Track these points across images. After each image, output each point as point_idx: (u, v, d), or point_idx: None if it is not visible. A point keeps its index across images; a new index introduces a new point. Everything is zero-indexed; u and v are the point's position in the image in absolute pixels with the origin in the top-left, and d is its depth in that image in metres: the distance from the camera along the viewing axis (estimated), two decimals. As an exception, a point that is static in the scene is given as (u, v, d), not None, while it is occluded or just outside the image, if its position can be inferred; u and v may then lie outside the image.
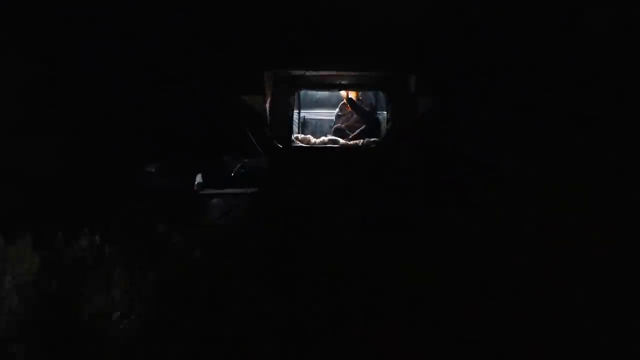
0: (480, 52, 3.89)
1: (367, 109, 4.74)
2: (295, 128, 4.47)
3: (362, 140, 4.44)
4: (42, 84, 3.36)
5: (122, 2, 3.49)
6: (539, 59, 3.82)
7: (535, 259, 2.30)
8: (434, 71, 3.93)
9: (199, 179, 3.69)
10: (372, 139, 4.45)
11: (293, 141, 4.34)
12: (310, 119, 5.63)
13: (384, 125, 4.57)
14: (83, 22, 3.43)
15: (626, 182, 3.14)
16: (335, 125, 4.81)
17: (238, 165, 4.00)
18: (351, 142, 4.43)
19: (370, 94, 4.95)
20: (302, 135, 4.59)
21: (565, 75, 3.76)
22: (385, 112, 4.46)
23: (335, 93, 4.90)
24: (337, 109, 4.96)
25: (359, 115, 4.67)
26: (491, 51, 3.87)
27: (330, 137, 4.58)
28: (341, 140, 4.45)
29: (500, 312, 1.77)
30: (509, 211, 3.11)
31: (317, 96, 5.61)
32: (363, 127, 4.58)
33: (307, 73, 4.15)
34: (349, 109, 4.75)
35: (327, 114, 5.58)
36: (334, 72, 4.25)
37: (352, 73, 4.29)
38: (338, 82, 4.44)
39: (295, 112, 4.50)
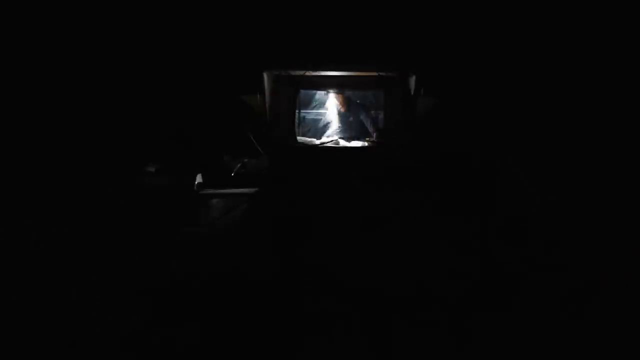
0: (479, 53, 3.90)
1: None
2: (295, 128, 4.46)
3: (361, 140, 4.47)
4: (43, 85, 3.36)
5: (123, 2, 3.50)
6: (537, 59, 3.83)
7: (535, 258, 2.31)
8: (434, 71, 3.94)
9: (199, 179, 3.69)
10: (372, 139, 4.46)
11: (295, 141, 4.34)
12: (310, 119, 5.64)
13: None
14: (85, 22, 3.43)
15: (626, 183, 3.15)
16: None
17: (238, 165, 4.00)
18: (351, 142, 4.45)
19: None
20: (303, 136, 4.60)
21: (564, 75, 3.77)
22: (384, 112, 4.46)
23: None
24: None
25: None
26: (490, 51, 3.88)
27: (330, 137, 4.60)
28: (341, 141, 4.46)
29: (500, 311, 1.77)
30: (508, 210, 3.12)
31: (316, 96, 5.62)
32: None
33: (307, 73, 4.14)
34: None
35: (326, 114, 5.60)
36: (334, 72, 4.25)
37: (352, 73, 4.29)
38: (338, 82, 4.44)
39: (296, 111, 4.49)
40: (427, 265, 2.22)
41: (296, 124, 4.47)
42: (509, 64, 3.88)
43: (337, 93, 4.74)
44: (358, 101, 4.82)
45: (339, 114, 4.84)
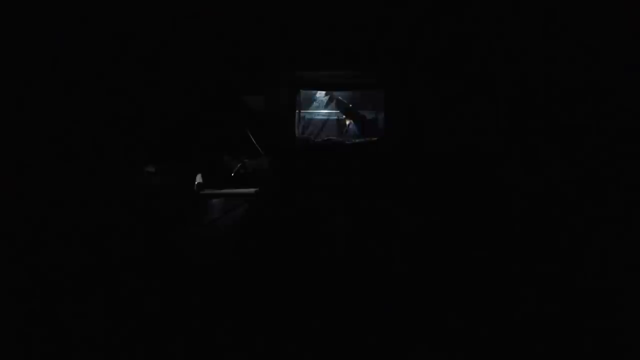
0: (480, 51, 3.90)
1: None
2: (295, 128, 4.47)
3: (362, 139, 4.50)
4: (44, 86, 3.35)
5: (122, 2, 3.49)
6: (538, 59, 3.83)
7: (533, 258, 2.31)
8: (434, 71, 3.94)
9: (199, 179, 3.69)
10: (372, 138, 4.47)
11: (295, 140, 4.35)
12: (310, 119, 5.65)
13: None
14: (85, 22, 3.43)
15: (624, 183, 3.15)
16: None
17: (238, 165, 4.01)
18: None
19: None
20: (303, 136, 4.61)
21: (564, 76, 3.77)
22: (385, 112, 4.47)
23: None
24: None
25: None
26: (490, 51, 3.88)
27: (329, 137, 4.63)
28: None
29: (499, 312, 1.77)
30: (507, 210, 3.12)
31: (316, 96, 5.64)
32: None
33: (307, 73, 4.16)
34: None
35: (327, 114, 5.63)
36: (334, 72, 4.26)
37: (352, 73, 4.30)
38: (338, 82, 4.45)
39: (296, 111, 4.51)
40: (427, 265, 2.22)
41: (296, 124, 4.48)
42: (510, 63, 3.87)
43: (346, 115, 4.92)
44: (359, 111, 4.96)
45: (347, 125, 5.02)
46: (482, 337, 1.59)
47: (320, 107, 5.64)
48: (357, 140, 4.49)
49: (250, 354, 1.50)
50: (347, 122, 5.28)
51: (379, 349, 1.52)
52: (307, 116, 5.57)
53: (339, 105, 5.23)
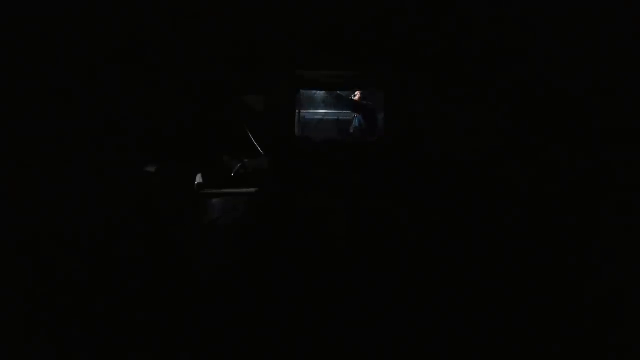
0: (479, 53, 3.90)
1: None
2: (295, 128, 4.48)
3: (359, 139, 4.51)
4: (43, 86, 3.35)
5: (122, 2, 3.49)
6: (537, 60, 3.83)
7: (533, 258, 2.31)
8: (433, 71, 3.94)
9: (199, 179, 3.69)
10: (371, 139, 4.48)
11: (295, 140, 4.36)
12: (310, 118, 5.66)
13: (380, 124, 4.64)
14: (84, 22, 3.43)
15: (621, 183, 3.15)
16: None
17: (238, 165, 4.01)
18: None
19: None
20: (302, 136, 4.61)
21: (563, 76, 3.77)
22: (385, 112, 4.48)
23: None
24: None
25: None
26: (490, 52, 3.88)
27: (328, 137, 4.63)
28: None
29: (499, 312, 1.77)
30: (506, 211, 3.12)
31: (317, 96, 5.65)
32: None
33: (307, 73, 4.16)
34: None
35: (325, 113, 5.64)
36: (334, 72, 4.27)
37: (352, 73, 4.30)
38: (338, 82, 4.45)
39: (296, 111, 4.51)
40: (427, 265, 2.23)
41: (296, 124, 4.48)
42: (510, 63, 3.87)
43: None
44: (365, 102, 4.94)
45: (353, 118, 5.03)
46: (482, 337, 1.59)
47: (320, 106, 5.65)
48: (357, 141, 4.50)
49: (249, 354, 1.50)
50: (354, 116, 5.22)
51: (379, 349, 1.52)
52: (307, 116, 5.58)
53: (340, 100, 5.22)
